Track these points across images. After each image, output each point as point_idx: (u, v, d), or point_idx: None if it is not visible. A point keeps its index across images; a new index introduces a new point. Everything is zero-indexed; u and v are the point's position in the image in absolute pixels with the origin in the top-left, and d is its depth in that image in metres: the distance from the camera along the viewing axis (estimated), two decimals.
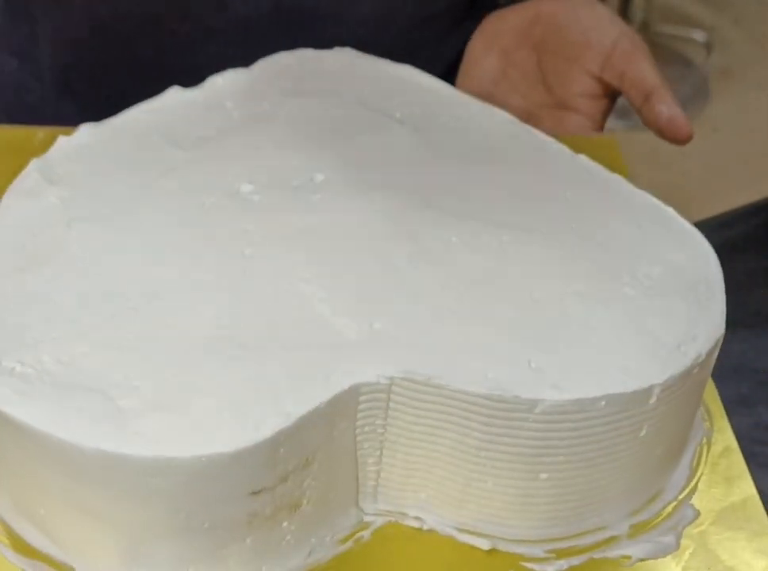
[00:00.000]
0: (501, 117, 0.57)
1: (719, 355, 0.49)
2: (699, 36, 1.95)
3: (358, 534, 0.45)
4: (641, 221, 0.50)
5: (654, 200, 0.52)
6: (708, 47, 1.94)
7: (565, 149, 0.54)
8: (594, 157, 0.54)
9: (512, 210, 0.50)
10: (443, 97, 0.58)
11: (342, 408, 0.42)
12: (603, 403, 0.41)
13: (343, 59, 0.60)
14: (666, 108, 0.61)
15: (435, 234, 0.48)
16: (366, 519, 0.45)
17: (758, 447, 0.60)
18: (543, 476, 0.43)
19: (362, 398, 0.42)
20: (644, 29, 1.88)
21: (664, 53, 1.90)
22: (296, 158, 0.52)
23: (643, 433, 0.43)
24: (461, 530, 0.45)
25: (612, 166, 0.54)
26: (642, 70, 0.63)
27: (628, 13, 1.86)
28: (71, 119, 0.59)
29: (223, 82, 0.57)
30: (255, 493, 0.40)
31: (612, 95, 0.66)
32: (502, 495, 0.43)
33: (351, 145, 0.53)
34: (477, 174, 0.52)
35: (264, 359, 0.42)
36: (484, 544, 0.44)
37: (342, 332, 0.43)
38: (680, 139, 0.62)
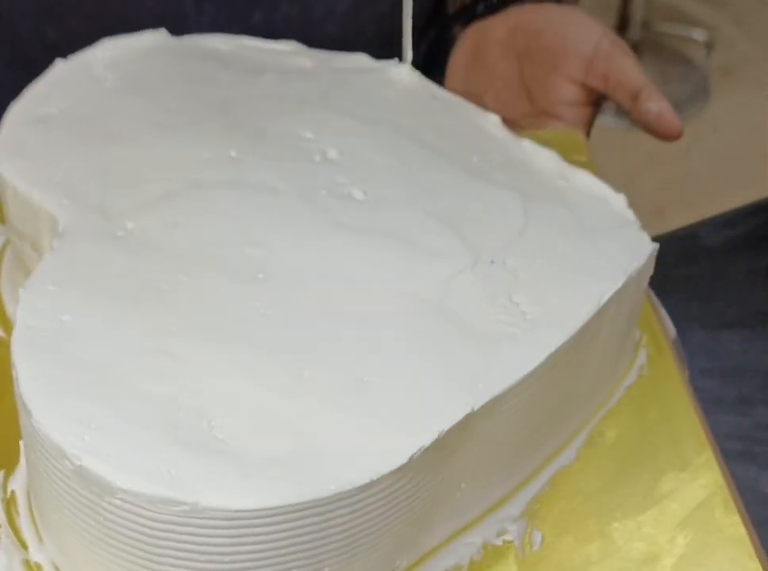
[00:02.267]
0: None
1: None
2: (699, 35, 1.95)
3: None
4: None
5: None
6: (708, 46, 1.94)
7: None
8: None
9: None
10: None
11: None
12: None
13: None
14: (655, 105, 0.61)
15: None
16: None
17: (759, 447, 0.60)
18: None
19: None
20: (644, 29, 1.88)
21: (664, 53, 1.90)
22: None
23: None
24: None
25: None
26: (625, 71, 0.62)
27: (628, 13, 1.86)
28: None
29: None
30: None
31: (596, 102, 0.65)
32: None
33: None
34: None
35: None
36: None
37: None
38: (671, 136, 0.61)
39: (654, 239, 0.50)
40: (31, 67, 0.60)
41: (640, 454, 0.49)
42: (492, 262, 0.47)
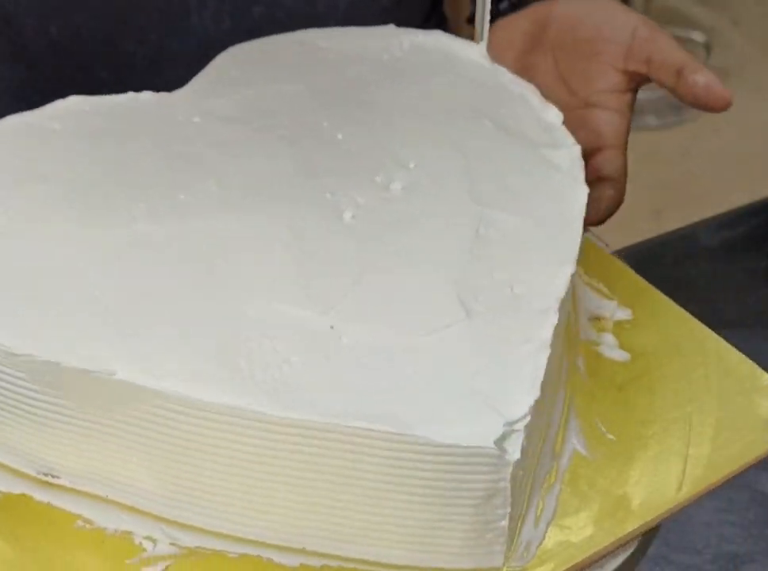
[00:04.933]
0: None
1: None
2: (699, 36, 1.95)
3: None
4: None
5: None
6: (707, 47, 1.94)
7: None
8: None
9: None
10: None
11: None
12: None
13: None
14: (701, 77, 0.61)
15: None
16: None
17: None
18: None
19: None
20: None
21: None
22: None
23: None
24: None
25: None
26: (667, 50, 0.63)
27: None
28: None
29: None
30: None
31: (635, 88, 0.65)
32: None
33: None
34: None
35: None
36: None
37: None
38: (720, 106, 0.61)
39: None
40: (34, 64, 0.60)
41: None
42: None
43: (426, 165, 0.53)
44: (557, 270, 0.47)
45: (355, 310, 0.45)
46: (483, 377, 0.43)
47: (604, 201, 0.60)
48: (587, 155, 0.58)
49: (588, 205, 0.52)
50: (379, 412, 0.41)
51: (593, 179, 0.58)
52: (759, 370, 0.51)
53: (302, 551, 0.45)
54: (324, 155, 0.53)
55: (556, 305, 0.46)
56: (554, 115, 0.57)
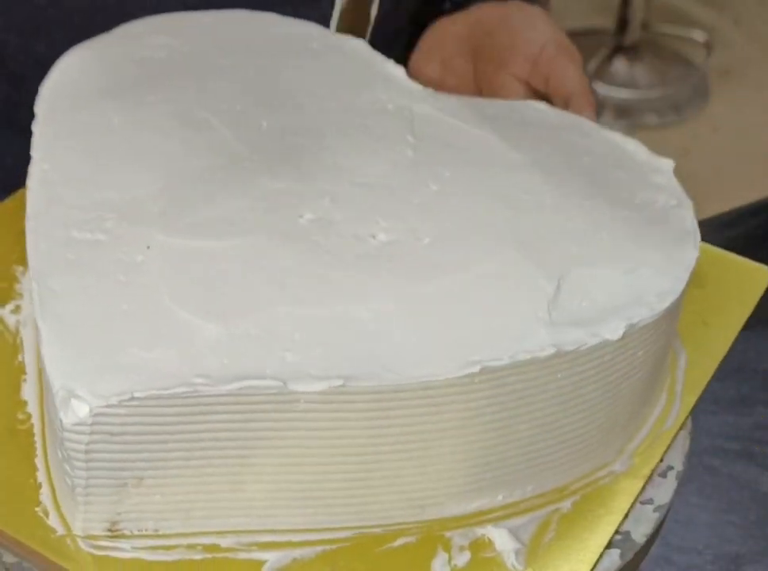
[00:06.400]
0: None
1: None
2: (699, 36, 1.95)
3: None
4: None
5: None
6: (708, 47, 1.94)
7: None
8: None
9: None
10: None
11: None
12: None
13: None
14: (586, 116, 0.62)
15: None
16: None
17: (758, 447, 0.60)
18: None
19: None
20: (644, 30, 1.88)
21: (664, 53, 1.90)
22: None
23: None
24: None
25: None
26: (564, 76, 0.63)
27: (628, 14, 1.86)
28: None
29: None
30: None
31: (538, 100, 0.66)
32: None
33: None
34: None
35: None
36: None
37: None
38: None
39: None
40: (18, 82, 0.59)
41: None
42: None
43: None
44: None
45: None
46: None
47: None
48: None
49: None
50: None
51: None
52: None
53: None
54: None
55: None
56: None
